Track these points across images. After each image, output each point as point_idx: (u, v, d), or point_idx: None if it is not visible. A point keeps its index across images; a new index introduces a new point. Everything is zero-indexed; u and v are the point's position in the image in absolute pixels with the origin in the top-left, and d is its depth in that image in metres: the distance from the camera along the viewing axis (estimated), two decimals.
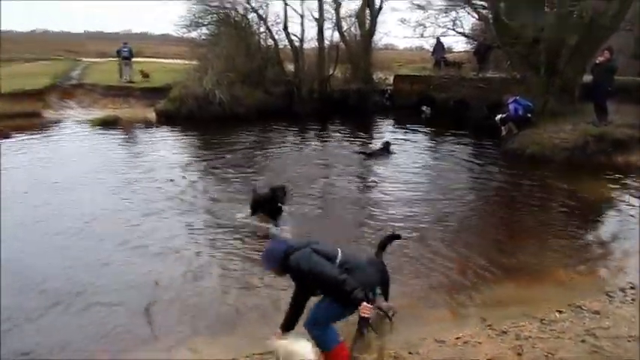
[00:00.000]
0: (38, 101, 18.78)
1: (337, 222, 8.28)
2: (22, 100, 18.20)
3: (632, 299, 5.43)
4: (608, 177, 10.75)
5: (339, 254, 3.99)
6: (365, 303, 3.74)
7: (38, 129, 15.78)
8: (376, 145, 13.88)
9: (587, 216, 8.84)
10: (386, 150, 13.11)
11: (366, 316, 3.82)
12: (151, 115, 18.09)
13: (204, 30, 20.75)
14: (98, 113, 18.20)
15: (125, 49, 21.72)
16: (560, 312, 5.14)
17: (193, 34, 20.96)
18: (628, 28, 15.93)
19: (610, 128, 12.49)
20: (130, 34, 39.93)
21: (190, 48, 20.98)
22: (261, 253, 4.22)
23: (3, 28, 39.59)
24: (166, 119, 17.37)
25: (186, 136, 15.66)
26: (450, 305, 5.55)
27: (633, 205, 8.98)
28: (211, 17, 20.39)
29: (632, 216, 8.48)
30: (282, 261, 3.91)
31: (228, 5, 20.01)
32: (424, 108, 19.12)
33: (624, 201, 9.31)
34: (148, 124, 17.10)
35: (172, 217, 8.21)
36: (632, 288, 5.73)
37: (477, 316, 5.25)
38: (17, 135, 14.60)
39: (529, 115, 13.84)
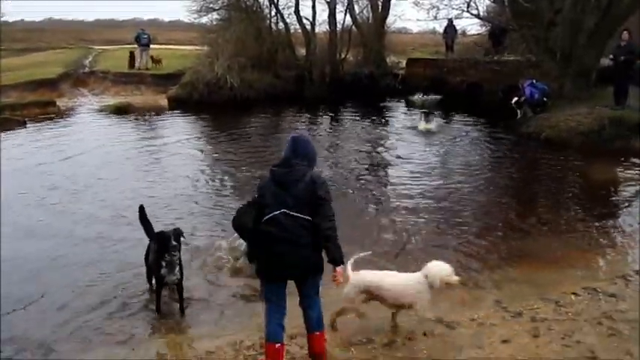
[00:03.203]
0: (52, 90, 18.87)
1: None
2: (36, 89, 18.34)
3: None
4: (624, 161, 10.56)
5: None
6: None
7: (55, 117, 15.91)
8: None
9: (602, 200, 8.70)
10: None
11: None
12: (163, 101, 18.10)
13: (214, 15, 20.67)
14: (111, 100, 18.26)
15: (145, 36, 21.76)
16: (575, 294, 5.06)
17: (204, 20, 20.91)
18: None
19: (628, 112, 12.26)
20: (140, 22, 39.80)
21: (201, 33, 20.93)
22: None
23: (15, 19, 39.82)
24: (178, 105, 17.38)
25: (199, 120, 15.69)
26: (463, 287, 5.49)
27: None
28: (222, 2, 20.27)
29: None
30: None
31: None
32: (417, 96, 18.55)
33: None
34: (160, 111, 17.12)
35: None
36: None
37: (491, 298, 5.20)
38: (33, 124, 14.75)
39: (545, 98, 13.64)
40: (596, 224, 7.40)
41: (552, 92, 13.81)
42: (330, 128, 15.01)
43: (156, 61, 21.82)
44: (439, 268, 4.19)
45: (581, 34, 14.42)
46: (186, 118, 16.10)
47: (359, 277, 4.26)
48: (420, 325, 4.42)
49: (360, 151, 11.89)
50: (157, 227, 5.32)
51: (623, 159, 10.68)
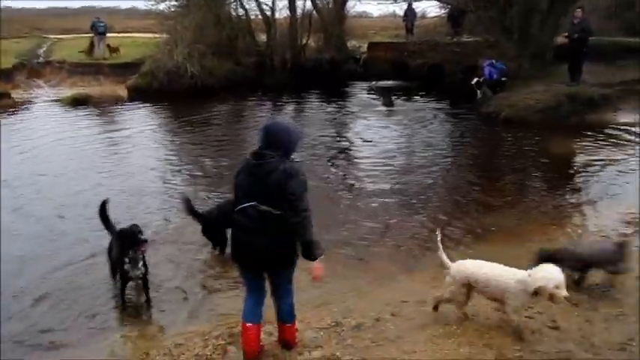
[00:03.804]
0: (6, 82, 18.14)
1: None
2: None
3: None
4: (580, 135, 10.87)
5: None
6: None
7: (10, 109, 15.34)
8: None
9: (561, 174, 8.98)
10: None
11: None
12: (123, 91, 17.65)
13: (172, 2, 20.16)
14: (68, 92, 17.70)
15: (101, 24, 21.14)
16: None
17: (161, 6, 20.35)
18: None
19: (582, 88, 12.61)
20: (96, 9, 38.54)
21: (159, 20, 20.38)
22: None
23: None
24: (138, 95, 16.99)
25: (161, 110, 15.39)
26: (428, 268, 5.58)
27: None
28: None
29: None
30: None
31: None
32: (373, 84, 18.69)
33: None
34: (119, 101, 16.70)
35: None
36: None
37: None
38: None
39: (504, 78, 13.90)
40: (556, 198, 7.65)
41: (510, 72, 14.08)
42: (294, 114, 14.96)
43: (113, 49, 21.25)
44: (547, 275, 3.62)
45: (536, 14, 14.72)
46: (147, 108, 15.76)
47: (459, 267, 4.05)
48: (387, 307, 4.46)
49: (326, 136, 11.90)
50: (127, 222, 5.21)
51: (579, 133, 10.99)
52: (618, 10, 19.01)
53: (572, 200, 7.68)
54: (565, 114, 11.97)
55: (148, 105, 16.00)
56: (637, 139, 10.43)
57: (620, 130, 11.12)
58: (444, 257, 4.13)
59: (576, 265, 4.76)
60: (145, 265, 4.91)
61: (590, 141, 10.50)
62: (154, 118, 14.57)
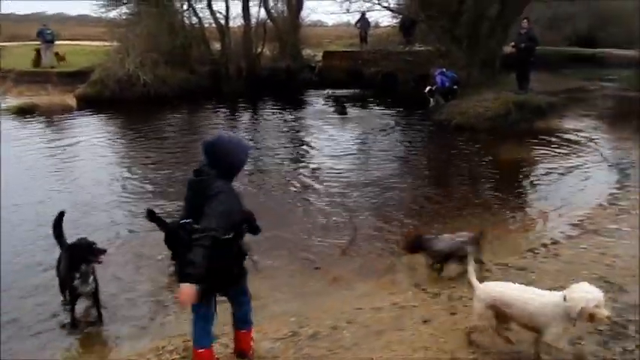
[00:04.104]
0: None
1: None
2: None
3: (554, 254, 5.72)
4: (529, 142, 11.24)
5: None
6: None
7: None
8: None
9: (511, 179, 9.23)
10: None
11: None
12: (72, 100, 17.10)
13: (123, 9, 19.82)
14: (13, 101, 17.01)
15: (48, 32, 20.49)
16: (488, 271, 5.32)
17: (112, 14, 19.98)
18: (543, 0, 16.65)
19: (530, 96, 13.08)
20: (44, 16, 37.32)
21: (110, 28, 19.97)
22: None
23: None
24: (88, 104, 16.50)
25: (112, 119, 15.00)
26: (383, 275, 5.63)
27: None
28: None
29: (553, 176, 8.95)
30: None
31: None
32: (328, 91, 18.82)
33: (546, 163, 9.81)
34: (68, 110, 16.15)
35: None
36: (553, 243, 6.04)
37: (411, 282, 5.37)
38: None
39: (455, 86, 14.25)
40: (505, 203, 7.84)
41: (461, 80, 14.44)
42: (250, 123, 14.87)
43: (60, 58, 20.63)
44: (585, 294, 3.28)
45: (485, 24, 15.20)
46: (98, 118, 15.31)
47: (486, 289, 3.74)
48: (342, 315, 4.46)
49: (282, 144, 11.89)
50: (74, 237, 5.01)
51: (528, 139, 11.35)
52: (562, 21, 19.85)
53: (521, 203, 7.93)
54: (514, 121, 12.37)
55: (99, 114, 15.55)
56: (582, 145, 10.86)
57: (565, 136, 11.55)
58: (473, 278, 3.86)
59: (437, 255, 5.30)
60: (95, 280, 4.76)
61: (537, 147, 10.86)
62: (104, 128, 14.17)
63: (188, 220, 3.31)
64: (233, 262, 3.48)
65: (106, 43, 20.34)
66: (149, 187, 8.86)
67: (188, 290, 3.09)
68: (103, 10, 19.75)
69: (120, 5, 19.64)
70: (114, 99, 16.43)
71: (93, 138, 12.47)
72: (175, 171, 9.59)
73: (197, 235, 3.12)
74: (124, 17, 19.85)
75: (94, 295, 4.81)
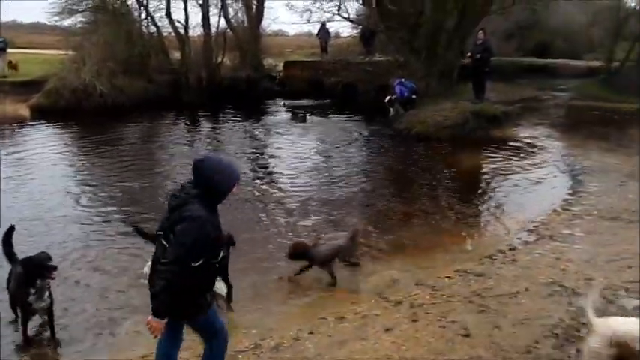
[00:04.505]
0: None
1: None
2: None
3: (512, 260, 5.86)
4: (485, 149, 11.52)
5: None
6: None
7: None
8: None
9: (470, 186, 9.44)
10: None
11: None
12: (25, 110, 16.58)
13: (79, 17, 19.32)
14: None
15: (0, 39, 19.80)
16: (448, 277, 5.42)
17: (67, 22, 19.46)
18: (499, 12, 17.14)
19: (486, 105, 13.41)
20: None
21: (65, 37, 19.46)
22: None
23: None
24: (42, 114, 16.00)
25: (68, 130, 14.59)
26: (345, 285, 5.64)
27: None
28: (86, 4, 19.00)
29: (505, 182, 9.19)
30: None
31: None
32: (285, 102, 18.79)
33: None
34: (22, 121, 15.63)
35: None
36: (510, 249, 6.18)
37: (373, 291, 5.39)
38: None
39: (414, 96, 14.49)
40: (464, 209, 8.00)
41: (420, 90, 14.70)
42: (211, 133, 14.73)
43: (13, 66, 19.98)
44: None
45: (443, 35, 15.54)
46: (53, 129, 14.84)
47: (609, 325, 3.29)
48: (304, 326, 4.45)
49: (243, 153, 11.82)
50: (28, 253, 4.81)
51: (485, 148, 11.63)
52: (516, 32, 20.51)
53: (480, 210, 8.10)
54: (471, 130, 12.64)
55: (54, 125, 15.10)
56: (536, 152, 11.20)
57: (520, 143, 11.89)
58: (590, 313, 3.36)
59: (321, 261, 5.56)
60: (50, 296, 4.59)
61: (494, 155, 11.13)
62: (59, 139, 13.74)
63: (160, 232, 3.21)
64: (199, 290, 3.28)
65: (61, 52, 19.79)
66: (105, 200, 8.61)
67: (154, 323, 3.08)
68: (57, 18, 19.20)
69: (75, 13, 19.12)
70: (69, 109, 15.95)
71: (47, 149, 12.07)
72: (132, 183, 9.40)
73: (160, 267, 3.06)
74: (79, 26, 19.37)
75: (49, 312, 4.63)
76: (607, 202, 7.71)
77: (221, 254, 3.40)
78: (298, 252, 5.62)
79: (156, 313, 3.07)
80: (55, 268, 4.51)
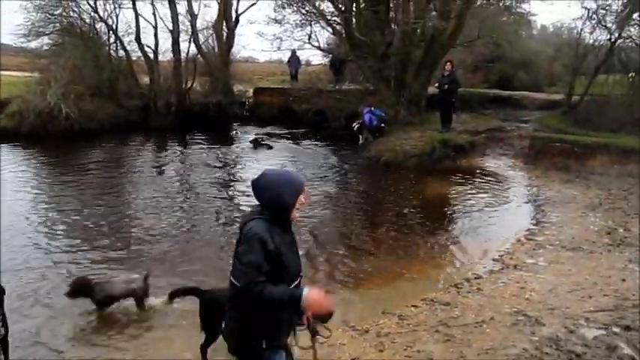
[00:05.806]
0: None
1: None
2: None
3: (477, 289, 5.92)
4: (452, 178, 11.72)
5: None
6: None
7: None
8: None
9: (436, 214, 9.53)
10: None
11: None
12: None
13: (45, 39, 19.06)
14: None
15: None
16: (415, 306, 5.43)
17: (33, 44, 19.15)
18: (465, 45, 17.65)
19: (452, 135, 13.70)
20: None
21: (30, 59, 19.10)
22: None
23: None
24: (4, 138, 15.55)
25: (32, 154, 14.21)
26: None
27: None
28: (53, 26, 18.78)
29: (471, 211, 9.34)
30: None
31: (72, 14, 18.62)
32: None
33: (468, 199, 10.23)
34: None
35: None
36: (476, 278, 6.25)
37: (340, 319, 5.34)
38: None
39: (382, 124, 14.70)
40: (432, 237, 8.10)
41: (389, 118, 14.94)
42: (178, 158, 14.58)
43: None
44: None
45: (411, 65, 15.90)
46: (15, 153, 14.43)
47: None
48: None
49: (210, 178, 11.76)
50: None
51: (451, 176, 11.83)
52: (482, 65, 21.07)
53: (446, 238, 8.18)
54: (438, 159, 12.88)
55: (17, 149, 14.71)
56: (501, 182, 11.45)
57: (485, 173, 12.14)
58: None
59: (106, 299, 5.48)
60: (5, 325, 4.40)
61: (460, 184, 11.33)
62: (21, 164, 13.32)
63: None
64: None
65: (27, 74, 19.42)
66: (66, 228, 8.37)
67: (312, 295, 2.85)
68: (23, 39, 18.90)
69: (42, 35, 18.87)
70: (34, 133, 15.61)
71: (7, 174, 11.72)
72: (96, 209, 9.20)
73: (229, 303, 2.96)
74: (45, 48, 19.08)
75: (3, 342, 4.44)
76: (568, 232, 7.90)
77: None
78: (79, 289, 5.42)
79: (290, 305, 2.84)
80: (2, 291, 4.33)
